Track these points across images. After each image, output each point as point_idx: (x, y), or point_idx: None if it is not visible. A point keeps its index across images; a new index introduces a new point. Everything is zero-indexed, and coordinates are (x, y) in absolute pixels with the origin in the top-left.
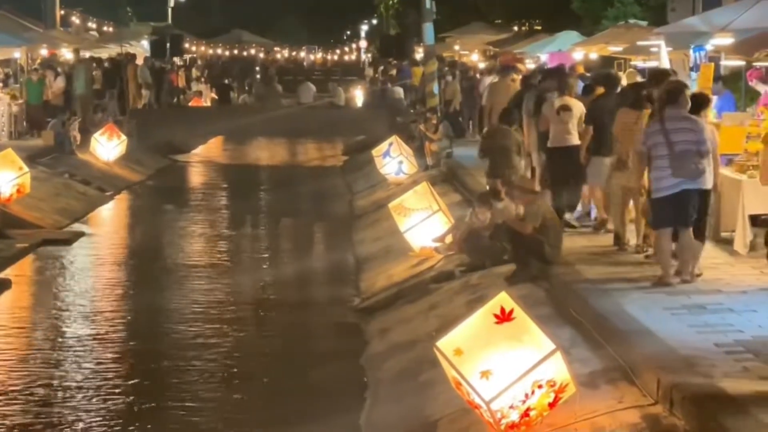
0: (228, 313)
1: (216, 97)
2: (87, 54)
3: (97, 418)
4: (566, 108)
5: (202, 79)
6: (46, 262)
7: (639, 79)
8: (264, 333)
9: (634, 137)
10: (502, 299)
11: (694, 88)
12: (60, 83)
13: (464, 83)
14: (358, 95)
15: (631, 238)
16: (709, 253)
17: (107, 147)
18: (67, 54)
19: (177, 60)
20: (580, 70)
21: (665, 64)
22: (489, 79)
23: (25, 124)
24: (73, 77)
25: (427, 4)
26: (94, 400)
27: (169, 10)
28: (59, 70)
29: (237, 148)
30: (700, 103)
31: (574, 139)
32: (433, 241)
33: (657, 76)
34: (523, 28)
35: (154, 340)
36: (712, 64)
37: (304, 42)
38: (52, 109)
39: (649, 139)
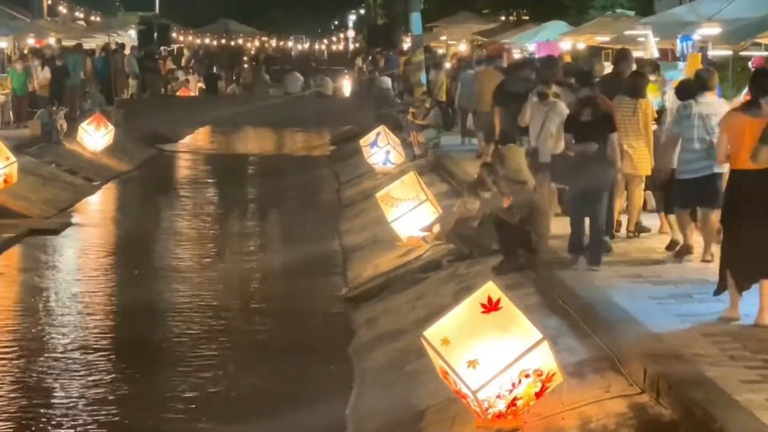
0: (215, 303)
1: (203, 86)
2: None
3: (85, 405)
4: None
5: (190, 70)
6: (33, 251)
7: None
8: (251, 323)
9: (633, 125)
10: (490, 289)
11: (681, 77)
12: (47, 74)
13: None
14: (346, 85)
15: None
16: (698, 243)
17: (94, 137)
18: (54, 44)
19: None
20: (568, 59)
21: (653, 53)
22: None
23: (10, 114)
24: (68, 67)
25: None
26: (82, 387)
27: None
28: (51, 59)
29: (224, 138)
30: (696, 87)
31: None
32: (421, 230)
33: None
34: (511, 18)
35: (141, 330)
36: (700, 53)
37: (291, 32)
38: (38, 100)
39: (684, 122)
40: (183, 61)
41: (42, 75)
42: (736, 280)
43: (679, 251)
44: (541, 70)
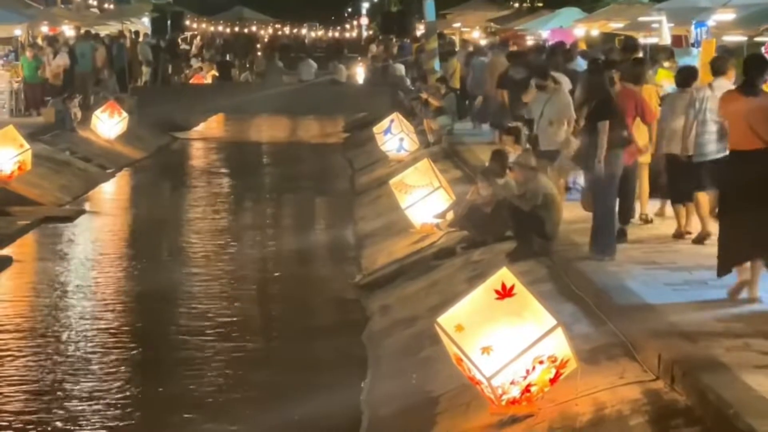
0: (229, 289)
1: (217, 74)
2: (92, 31)
3: (99, 392)
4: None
5: (200, 58)
6: (48, 239)
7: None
8: (265, 309)
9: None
10: (504, 275)
11: (695, 63)
12: (59, 61)
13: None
14: (360, 72)
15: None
16: (713, 229)
17: (108, 124)
18: (68, 31)
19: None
20: (582, 46)
21: (666, 40)
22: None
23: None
24: (77, 54)
25: None
26: (96, 373)
27: None
28: (64, 47)
29: (238, 125)
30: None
31: None
32: (435, 217)
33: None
34: (525, 5)
35: (155, 316)
36: (714, 39)
37: (305, 19)
38: (51, 88)
39: (699, 105)
40: (194, 49)
41: (54, 63)
42: (732, 257)
43: (699, 236)
44: (545, 59)
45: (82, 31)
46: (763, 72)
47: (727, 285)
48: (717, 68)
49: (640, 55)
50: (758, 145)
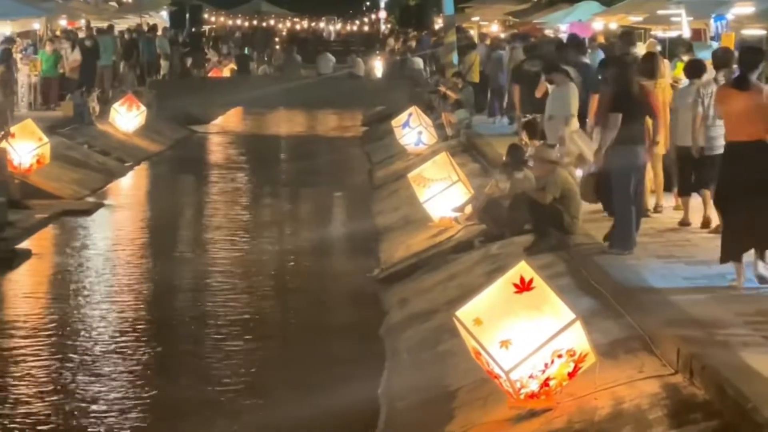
0: (247, 283)
1: (235, 67)
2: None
3: (120, 385)
4: None
5: (216, 53)
6: (66, 232)
7: (659, 49)
8: (283, 302)
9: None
10: (522, 269)
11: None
12: (77, 56)
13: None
14: (378, 66)
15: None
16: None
17: (126, 117)
18: (84, 25)
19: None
20: (601, 40)
21: (686, 33)
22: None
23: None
24: (99, 48)
25: None
26: (112, 368)
27: None
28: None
29: (256, 119)
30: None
31: None
32: (453, 211)
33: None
34: None
35: (173, 310)
36: (733, 33)
37: (323, 12)
38: (68, 82)
39: (707, 100)
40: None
41: (72, 57)
42: (734, 247)
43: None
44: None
45: (106, 25)
46: (755, 66)
47: (749, 279)
48: (721, 61)
49: (637, 48)
50: (752, 137)
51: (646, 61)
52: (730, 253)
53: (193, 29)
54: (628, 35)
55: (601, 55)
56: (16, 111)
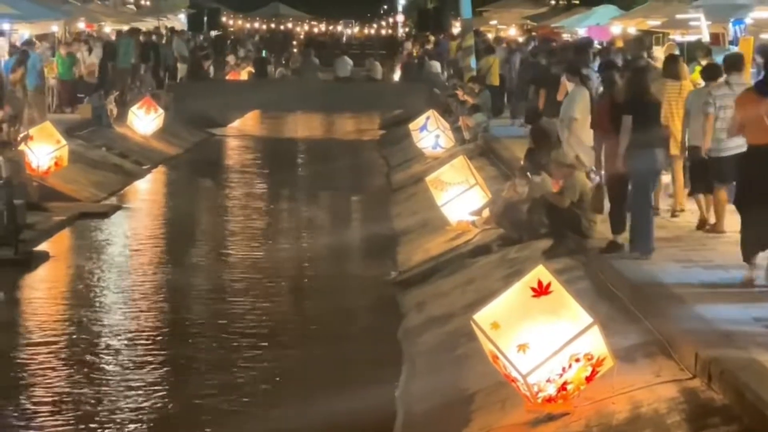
0: (265, 286)
1: (253, 70)
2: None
3: (136, 390)
4: None
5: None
6: (83, 234)
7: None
8: (301, 305)
9: (679, 108)
10: (540, 272)
11: None
12: (93, 59)
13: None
14: (395, 69)
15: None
16: (727, 228)
17: (144, 120)
18: (105, 27)
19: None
20: (619, 44)
21: (705, 37)
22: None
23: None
24: (118, 50)
25: None
26: (132, 371)
27: None
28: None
29: (274, 122)
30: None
31: None
32: (470, 215)
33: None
34: (561, 2)
35: (191, 312)
36: (752, 37)
37: (340, 16)
38: (85, 85)
39: (718, 102)
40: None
41: (89, 60)
42: (754, 245)
43: (711, 228)
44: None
45: (126, 28)
46: None
47: (765, 285)
48: (732, 65)
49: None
50: None
51: (671, 62)
52: (748, 252)
53: (215, 32)
54: (640, 40)
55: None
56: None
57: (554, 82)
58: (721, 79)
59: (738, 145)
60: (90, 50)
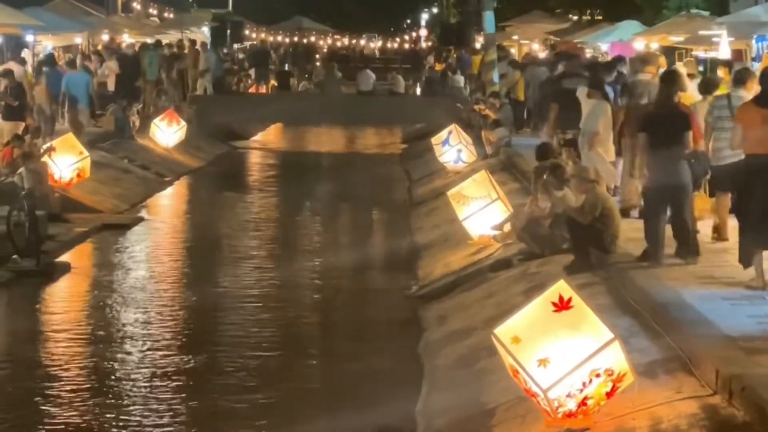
0: (286, 298)
1: (276, 83)
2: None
3: (156, 402)
4: None
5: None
6: (105, 246)
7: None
8: (321, 318)
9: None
10: (561, 287)
11: None
12: (112, 68)
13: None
14: (418, 83)
15: None
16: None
17: (167, 133)
18: (128, 40)
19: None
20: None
21: (726, 54)
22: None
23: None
24: (144, 63)
25: None
26: (152, 382)
27: None
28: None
29: (296, 135)
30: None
31: None
32: (492, 229)
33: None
34: (584, 18)
35: (211, 324)
36: None
37: (363, 30)
38: (100, 96)
39: (716, 112)
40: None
41: (101, 71)
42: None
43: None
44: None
45: (151, 40)
46: None
47: None
48: (737, 79)
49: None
50: None
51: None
52: (747, 256)
53: (249, 44)
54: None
55: None
56: (58, 125)
57: (566, 96)
58: (717, 92)
59: (734, 154)
60: (102, 62)
